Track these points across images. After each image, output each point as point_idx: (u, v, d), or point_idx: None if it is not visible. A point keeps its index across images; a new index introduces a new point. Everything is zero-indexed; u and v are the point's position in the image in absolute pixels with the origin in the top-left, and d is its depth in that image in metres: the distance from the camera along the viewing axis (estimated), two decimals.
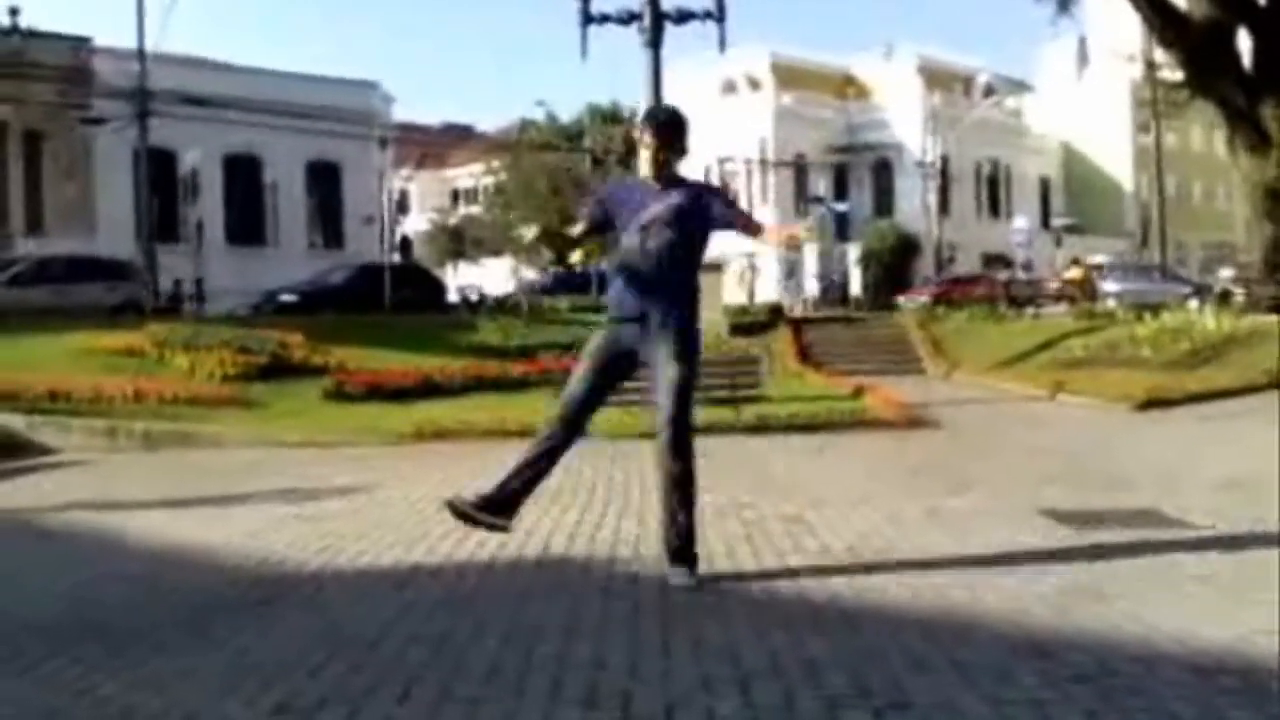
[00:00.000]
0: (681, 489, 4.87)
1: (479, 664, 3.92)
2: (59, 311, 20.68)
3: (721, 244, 5.69)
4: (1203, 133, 55.96)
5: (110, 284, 25.06)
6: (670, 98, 19.06)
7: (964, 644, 3.97)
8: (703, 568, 5.28)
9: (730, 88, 56.05)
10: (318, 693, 3.65)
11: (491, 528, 5.22)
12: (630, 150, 49.20)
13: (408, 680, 3.74)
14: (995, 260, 47.55)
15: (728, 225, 5.07)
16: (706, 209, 5.00)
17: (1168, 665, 3.64)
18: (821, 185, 52.95)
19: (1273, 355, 15.98)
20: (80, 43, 34.27)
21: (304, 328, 18.16)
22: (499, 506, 5.12)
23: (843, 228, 53.28)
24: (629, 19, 16.89)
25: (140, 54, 29.59)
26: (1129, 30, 40.14)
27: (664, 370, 4.87)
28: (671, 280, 4.93)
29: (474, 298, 40.33)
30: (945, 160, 52.43)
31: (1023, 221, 47.78)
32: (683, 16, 17.18)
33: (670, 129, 5.06)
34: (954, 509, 6.75)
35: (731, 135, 52.13)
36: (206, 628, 4.58)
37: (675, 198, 4.95)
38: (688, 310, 4.98)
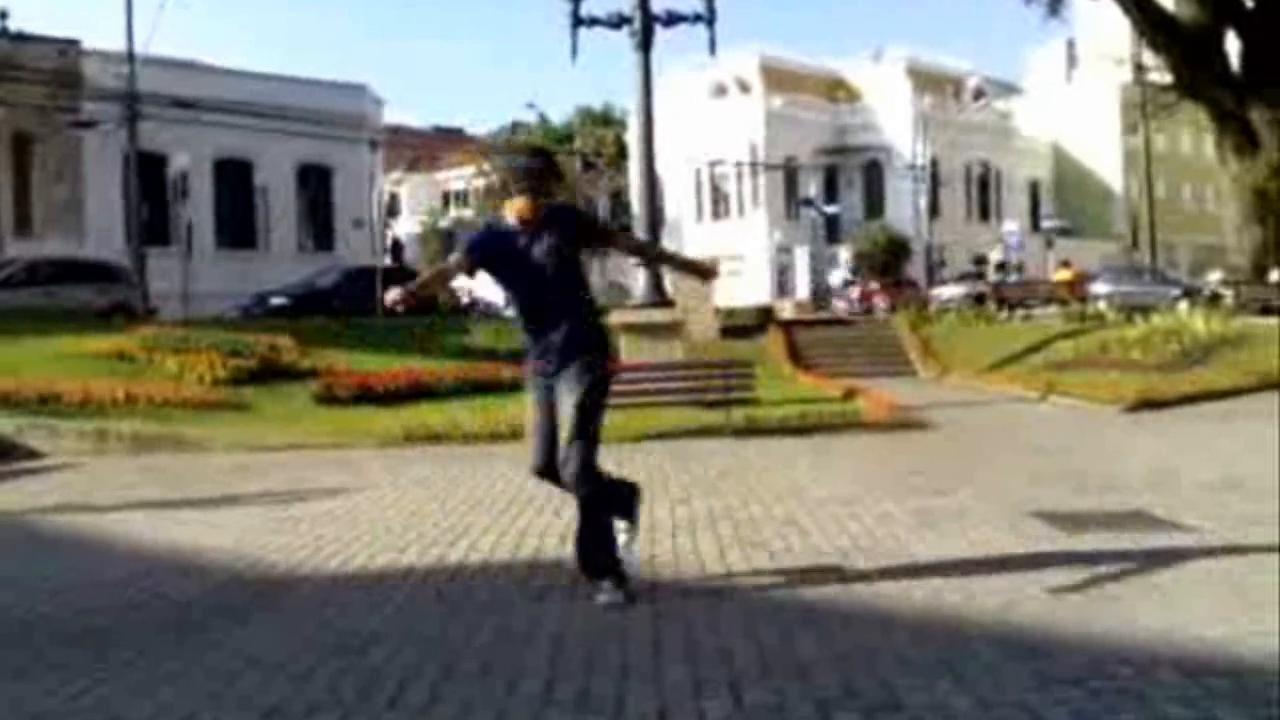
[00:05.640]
0: (585, 512, 4.84)
1: (470, 667, 3.91)
2: (48, 314, 20.58)
3: (714, 246, 5.69)
4: (1192, 135, 56.13)
5: (99, 287, 24.94)
6: (660, 101, 19.15)
7: (955, 645, 3.97)
8: (695, 569, 5.29)
9: (720, 90, 56.08)
10: (310, 696, 3.64)
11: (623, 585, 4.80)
12: (621, 153, 49.22)
13: (399, 683, 3.73)
14: (984, 262, 47.57)
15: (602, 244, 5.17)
16: (573, 235, 4.89)
17: (1159, 667, 3.65)
18: (812, 187, 52.96)
19: (1261, 357, 16.03)
20: (69, 45, 34.10)
21: (294, 331, 18.13)
22: (620, 577, 4.80)
23: (833, 230, 53.38)
24: (619, 22, 16.86)
25: (129, 56, 29.47)
26: (1118, 33, 40.28)
27: (563, 402, 4.77)
28: (565, 313, 4.84)
29: (466, 300, 40.20)
30: (935, 162, 52.53)
31: (1012, 224, 47.89)
32: (673, 19, 17.15)
33: (539, 172, 4.87)
34: (945, 510, 6.76)
35: (721, 138, 52.22)
36: (197, 631, 4.57)
37: (549, 238, 4.81)
38: (584, 340, 4.85)
